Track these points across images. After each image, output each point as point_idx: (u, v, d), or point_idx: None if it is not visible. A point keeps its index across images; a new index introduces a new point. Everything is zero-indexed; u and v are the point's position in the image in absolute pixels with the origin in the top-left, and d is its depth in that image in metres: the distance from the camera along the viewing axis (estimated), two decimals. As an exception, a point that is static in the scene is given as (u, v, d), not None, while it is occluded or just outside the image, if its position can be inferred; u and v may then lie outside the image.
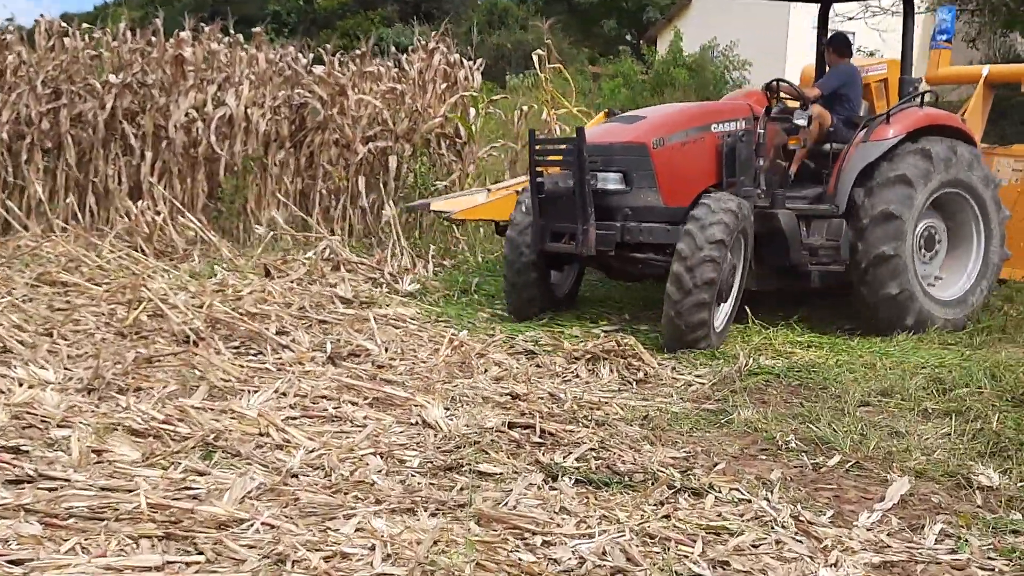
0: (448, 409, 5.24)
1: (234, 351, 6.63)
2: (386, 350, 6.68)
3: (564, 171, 7.70)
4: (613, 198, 7.58)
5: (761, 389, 5.93)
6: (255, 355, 6.57)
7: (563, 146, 7.79)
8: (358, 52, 11.70)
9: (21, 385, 5.40)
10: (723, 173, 7.71)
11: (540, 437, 4.87)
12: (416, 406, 5.30)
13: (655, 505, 3.96)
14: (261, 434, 4.81)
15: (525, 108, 12.67)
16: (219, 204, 11.52)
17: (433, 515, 3.81)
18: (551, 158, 7.91)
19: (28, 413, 4.93)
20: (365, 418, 5.14)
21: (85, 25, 12.55)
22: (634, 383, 6.18)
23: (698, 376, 6.32)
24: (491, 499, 3.96)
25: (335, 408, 5.28)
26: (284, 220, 11.27)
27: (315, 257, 9.55)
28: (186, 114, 11.56)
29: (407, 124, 11.33)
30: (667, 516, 3.82)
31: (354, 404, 5.35)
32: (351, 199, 11.32)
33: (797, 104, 8.17)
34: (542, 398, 5.66)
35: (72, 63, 12.19)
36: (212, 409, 5.15)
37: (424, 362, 6.52)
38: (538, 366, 6.48)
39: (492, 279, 9.41)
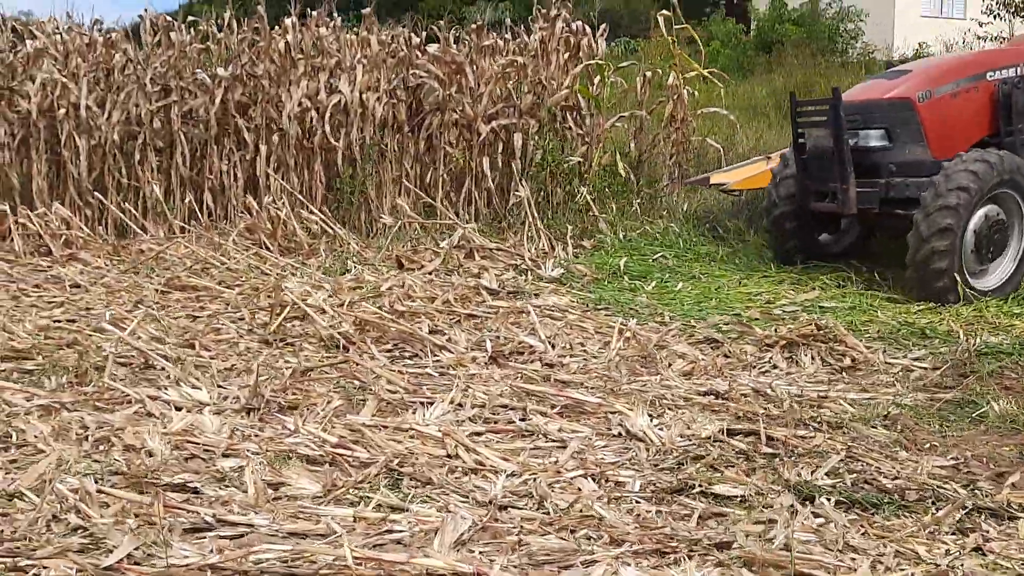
0: (652, 416, 4.58)
1: (388, 355, 6.07)
2: (552, 346, 6.06)
3: (826, 131, 7.66)
4: (876, 155, 7.56)
5: (999, 373, 5.16)
6: (411, 358, 6.01)
7: (822, 107, 7.79)
8: (474, 25, 11.06)
9: (178, 409, 4.90)
10: (999, 123, 7.57)
11: (769, 446, 4.19)
12: (613, 413, 4.66)
13: (954, 534, 3.26)
14: (449, 456, 4.22)
15: (648, 74, 11.91)
16: (339, 195, 11.01)
17: (688, 558, 3.16)
18: (813, 119, 7.95)
19: (189, 442, 4.41)
20: (560, 431, 4.52)
21: (190, 18, 12.13)
22: (843, 372, 5.46)
23: (916, 360, 5.57)
24: (752, 533, 3.30)
25: (522, 420, 4.67)
26: (407, 207, 10.76)
27: (448, 246, 8.96)
28: (299, 104, 11.06)
29: (531, 99, 10.66)
30: (978, 549, 3.12)
31: (542, 414, 4.73)
32: (475, 181, 10.71)
33: None
34: (747, 396, 4.99)
35: (180, 58, 11.77)
36: (386, 427, 4.58)
37: (596, 358, 5.88)
38: (726, 356, 5.79)
39: (640, 259, 8.72)
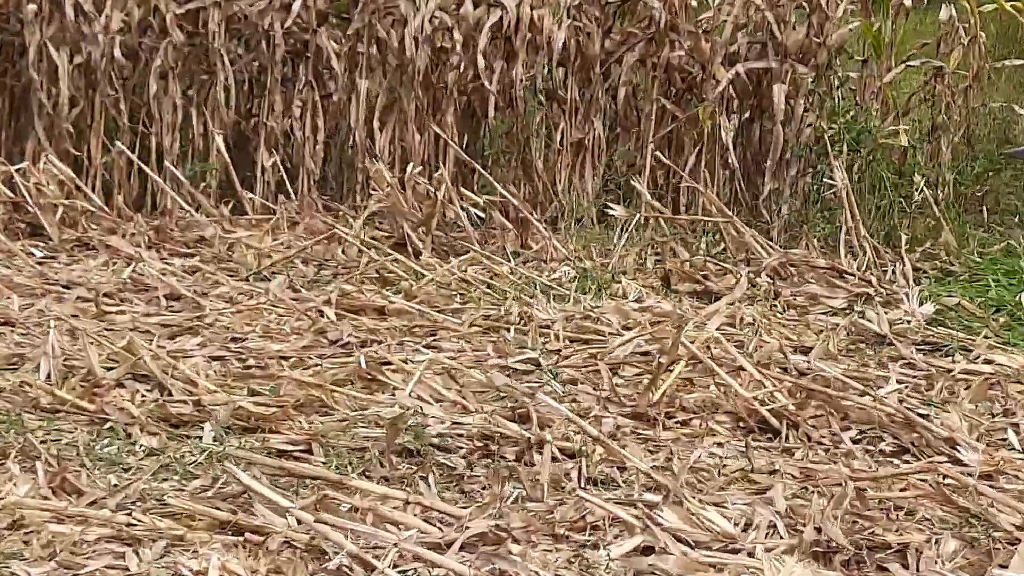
0: None
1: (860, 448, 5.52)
2: None
3: None
4: None
5: None
6: (895, 455, 5.46)
7: None
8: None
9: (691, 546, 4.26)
10: None
11: None
12: None
13: None
14: None
15: (907, 2, 11.37)
16: (488, 161, 10.43)
17: None
18: None
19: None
20: None
21: None
22: None
23: None
24: None
25: None
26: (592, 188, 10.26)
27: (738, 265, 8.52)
28: (430, 20, 10.36)
29: (801, 33, 10.16)
30: None
31: None
32: (712, 154, 10.18)
33: None
34: None
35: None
36: None
37: None
38: None
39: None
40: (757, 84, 10.50)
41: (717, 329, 7.05)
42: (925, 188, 9.26)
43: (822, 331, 7.27)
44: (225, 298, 7.77)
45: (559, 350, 6.77)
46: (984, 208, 9.95)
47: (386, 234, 9.38)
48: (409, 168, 9.65)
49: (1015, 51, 11.65)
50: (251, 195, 10.30)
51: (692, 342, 6.29)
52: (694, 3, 10.82)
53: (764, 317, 7.49)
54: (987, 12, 11.35)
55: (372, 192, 9.60)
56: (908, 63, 10.80)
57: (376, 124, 10.51)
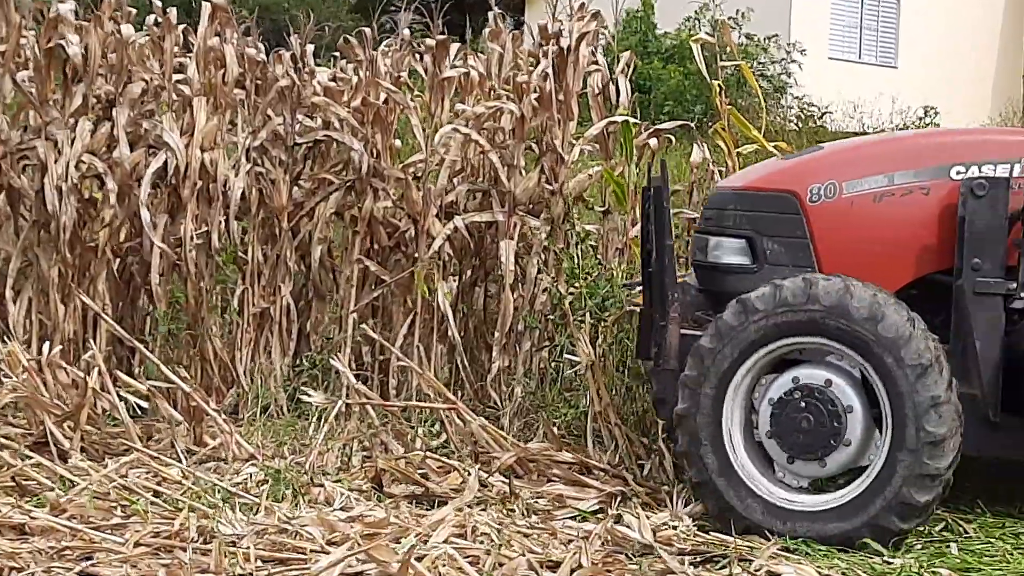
0: None
1: None
2: None
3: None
4: (732, 279, 7.82)
5: None
6: None
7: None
8: (431, 40, 10.58)
9: None
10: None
11: None
12: None
13: None
14: None
15: (654, 142, 11.71)
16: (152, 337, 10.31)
17: None
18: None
19: None
20: None
21: None
22: None
23: None
24: None
25: None
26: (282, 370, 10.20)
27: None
28: (77, 163, 10.16)
29: (534, 179, 10.27)
30: None
31: None
32: (428, 326, 10.19)
33: None
34: None
35: None
36: None
37: None
38: None
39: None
40: (480, 241, 10.61)
41: (445, 542, 7.00)
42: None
43: (571, 541, 7.24)
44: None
45: (250, 573, 6.60)
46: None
47: (23, 431, 9.09)
48: (47, 348, 9.39)
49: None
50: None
51: (419, 560, 6.19)
52: (399, 143, 10.87)
53: (501, 526, 7.42)
54: (746, 154, 11.72)
55: (3, 379, 9.27)
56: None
57: (8, 293, 10.31)
